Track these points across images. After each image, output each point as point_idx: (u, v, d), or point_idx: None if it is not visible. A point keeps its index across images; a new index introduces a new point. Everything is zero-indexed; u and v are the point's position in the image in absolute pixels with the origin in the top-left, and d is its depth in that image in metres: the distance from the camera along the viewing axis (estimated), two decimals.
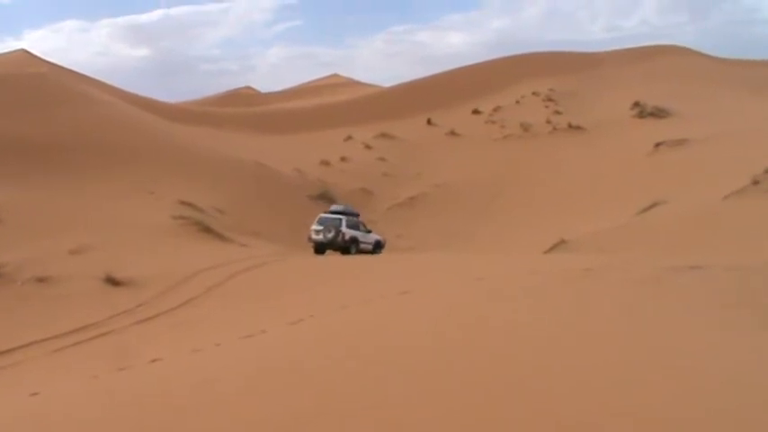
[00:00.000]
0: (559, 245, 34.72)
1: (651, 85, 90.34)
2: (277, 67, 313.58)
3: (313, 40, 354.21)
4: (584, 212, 47.53)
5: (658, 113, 75.53)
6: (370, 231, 38.84)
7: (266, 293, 23.18)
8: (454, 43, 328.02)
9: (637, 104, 79.36)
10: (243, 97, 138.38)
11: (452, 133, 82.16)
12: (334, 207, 38.53)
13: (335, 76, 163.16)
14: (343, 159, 70.66)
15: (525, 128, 79.42)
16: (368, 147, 77.06)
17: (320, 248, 37.75)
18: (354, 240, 37.61)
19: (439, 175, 65.96)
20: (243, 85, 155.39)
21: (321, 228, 36.48)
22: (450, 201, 59.59)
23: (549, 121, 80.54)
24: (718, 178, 37.50)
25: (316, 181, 61.60)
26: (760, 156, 36.00)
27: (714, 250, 24.50)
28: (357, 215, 38.62)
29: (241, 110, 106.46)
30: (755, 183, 32.81)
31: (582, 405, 6.40)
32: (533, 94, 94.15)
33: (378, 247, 39.08)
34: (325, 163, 68.19)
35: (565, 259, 25.41)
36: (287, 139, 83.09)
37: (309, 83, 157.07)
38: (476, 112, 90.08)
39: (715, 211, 31.68)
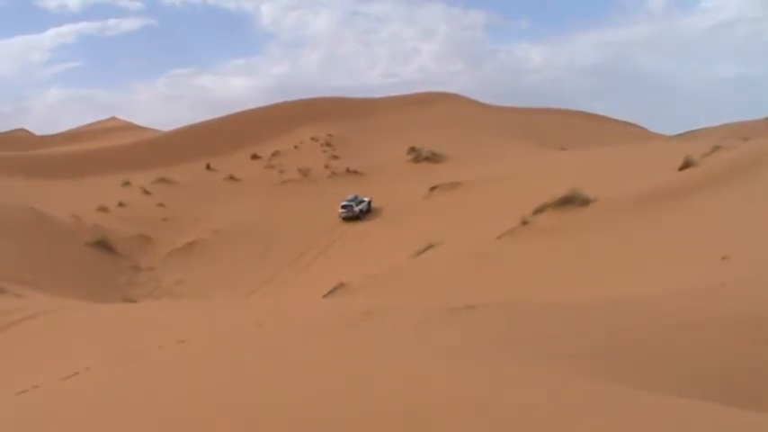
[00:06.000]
0: (339, 288, 34.65)
1: (427, 131, 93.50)
2: (54, 109, 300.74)
3: (92, 81, 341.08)
4: (363, 255, 48.00)
5: (433, 158, 78.32)
6: (363, 200, 62.52)
7: (40, 345, 21.50)
8: (235, 88, 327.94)
9: (413, 149, 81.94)
10: (17, 140, 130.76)
11: (231, 178, 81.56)
12: (349, 197, 62.82)
13: (114, 119, 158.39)
14: (121, 205, 68.20)
15: (304, 173, 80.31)
16: (146, 192, 74.87)
17: (347, 220, 61.30)
18: (361, 211, 61.72)
19: (218, 221, 65.02)
20: (17, 128, 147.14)
21: (345, 210, 61.39)
22: (229, 246, 58.77)
23: (327, 166, 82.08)
24: (490, 219, 38.76)
25: (93, 227, 59.00)
26: (529, 197, 37.51)
27: (488, 289, 25.05)
28: (357, 196, 63.11)
29: (14, 153, 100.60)
30: (525, 223, 34.09)
31: None
32: (312, 139, 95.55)
33: (369, 204, 62.97)
34: (103, 209, 65.41)
35: (344, 303, 25.16)
36: (63, 184, 79.35)
37: (87, 126, 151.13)
38: (255, 157, 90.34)
39: (489, 250, 32.60)
